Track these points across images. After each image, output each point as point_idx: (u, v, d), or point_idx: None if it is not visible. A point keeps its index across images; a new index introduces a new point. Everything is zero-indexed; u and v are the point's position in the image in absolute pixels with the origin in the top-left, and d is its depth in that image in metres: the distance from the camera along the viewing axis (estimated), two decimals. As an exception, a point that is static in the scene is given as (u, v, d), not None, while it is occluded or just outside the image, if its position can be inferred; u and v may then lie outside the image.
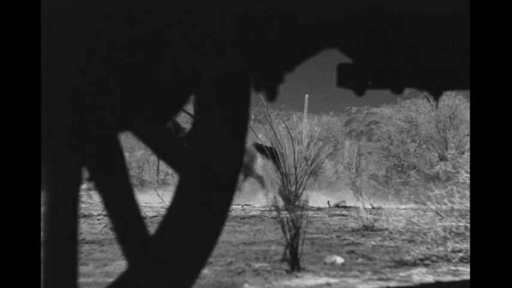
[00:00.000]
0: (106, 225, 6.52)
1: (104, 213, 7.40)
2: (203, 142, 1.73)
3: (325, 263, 4.15)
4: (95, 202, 10.14)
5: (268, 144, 12.44)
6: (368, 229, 6.55)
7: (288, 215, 4.01)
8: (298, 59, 1.75)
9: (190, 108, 1.78)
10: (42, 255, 1.57)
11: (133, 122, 1.72)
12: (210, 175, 1.72)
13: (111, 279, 2.09)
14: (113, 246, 4.80)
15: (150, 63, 1.67)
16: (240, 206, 10.95)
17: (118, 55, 1.63)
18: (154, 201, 9.99)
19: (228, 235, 5.87)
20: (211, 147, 1.73)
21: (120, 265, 3.86)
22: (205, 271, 3.68)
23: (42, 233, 1.60)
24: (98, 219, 7.57)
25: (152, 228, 1.74)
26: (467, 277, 3.64)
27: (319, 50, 1.77)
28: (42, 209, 1.59)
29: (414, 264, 4.10)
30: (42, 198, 1.55)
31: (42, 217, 1.59)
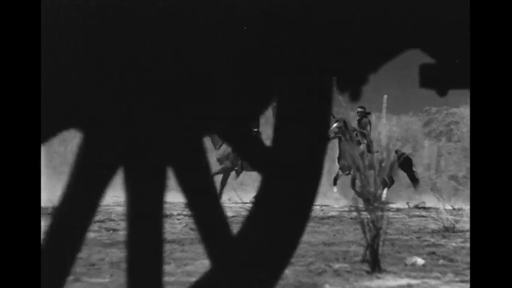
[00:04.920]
0: (186, 225, 6.60)
1: (184, 212, 7.49)
2: (285, 143, 1.74)
3: (405, 264, 4.11)
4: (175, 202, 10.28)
5: None
6: (449, 230, 6.43)
7: (368, 216, 3.98)
8: (382, 59, 1.75)
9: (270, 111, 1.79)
10: (126, 255, 1.61)
11: (218, 124, 1.75)
12: (293, 175, 1.73)
13: (193, 279, 2.13)
14: (193, 245, 4.86)
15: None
16: (318, 207, 10.91)
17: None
18: (232, 200, 10.06)
19: (308, 235, 5.86)
20: (293, 148, 1.73)
21: (201, 264, 3.91)
22: (286, 271, 3.69)
23: (125, 233, 1.64)
24: (178, 219, 7.67)
25: (233, 228, 1.75)
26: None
27: (402, 51, 1.77)
28: (125, 209, 1.63)
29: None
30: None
31: (125, 217, 1.63)
